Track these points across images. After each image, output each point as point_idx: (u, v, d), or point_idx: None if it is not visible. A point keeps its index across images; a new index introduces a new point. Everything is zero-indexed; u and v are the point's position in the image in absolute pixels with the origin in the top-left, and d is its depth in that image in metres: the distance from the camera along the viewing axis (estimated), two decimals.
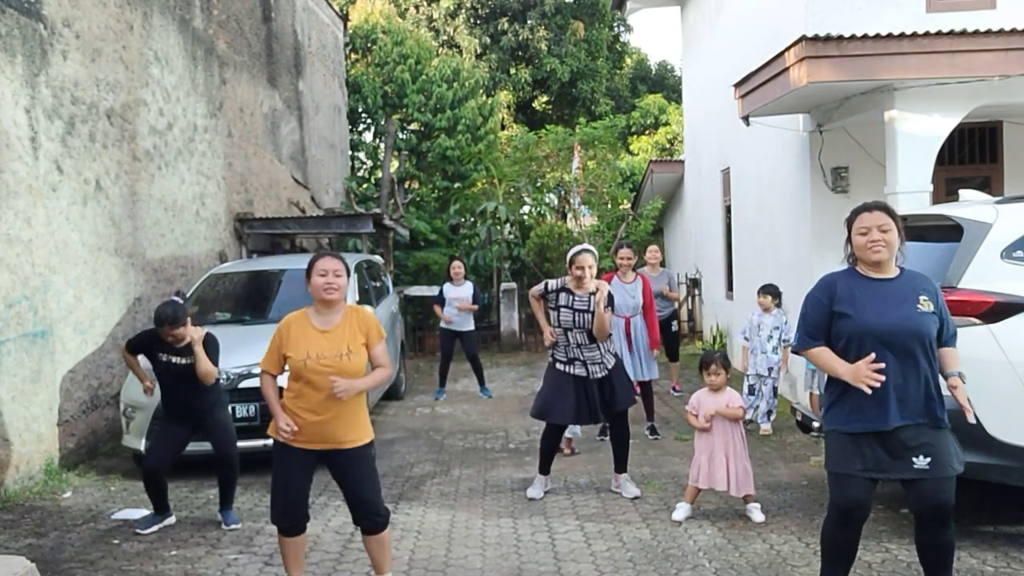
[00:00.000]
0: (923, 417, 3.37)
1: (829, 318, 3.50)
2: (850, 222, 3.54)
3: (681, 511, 5.20)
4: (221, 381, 6.37)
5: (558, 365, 5.62)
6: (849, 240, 3.55)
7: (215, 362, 5.26)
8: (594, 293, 5.49)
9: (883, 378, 3.30)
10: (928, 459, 3.34)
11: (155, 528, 5.30)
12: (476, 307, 9.79)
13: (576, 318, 5.53)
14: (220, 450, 5.33)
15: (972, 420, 3.48)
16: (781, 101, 7.52)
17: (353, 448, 3.88)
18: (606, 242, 14.70)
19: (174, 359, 5.20)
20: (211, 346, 5.29)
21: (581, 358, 5.55)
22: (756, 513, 5.09)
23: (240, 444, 6.41)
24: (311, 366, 3.76)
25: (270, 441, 6.27)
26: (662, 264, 9.49)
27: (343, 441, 3.85)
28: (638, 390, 8.24)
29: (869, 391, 3.31)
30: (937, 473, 3.34)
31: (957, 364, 3.53)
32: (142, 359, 5.43)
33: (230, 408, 6.40)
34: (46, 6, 6.87)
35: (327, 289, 3.82)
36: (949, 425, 3.44)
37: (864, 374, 3.31)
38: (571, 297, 5.55)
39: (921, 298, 3.42)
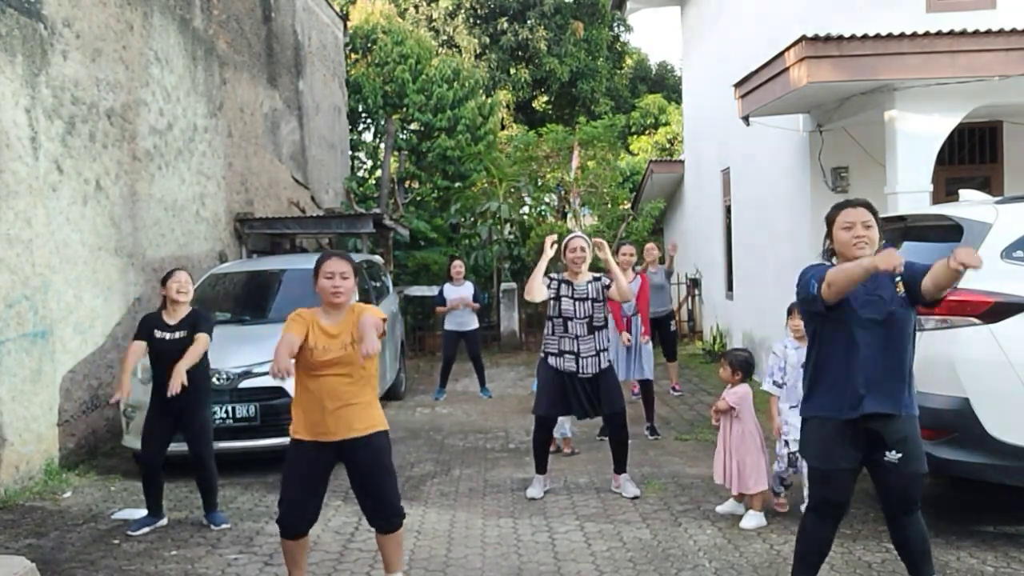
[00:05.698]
0: (899, 407, 3.38)
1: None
2: (832, 218, 3.51)
3: (726, 506, 5.26)
4: (221, 381, 6.42)
5: (549, 359, 5.66)
6: (829, 236, 3.53)
7: (209, 332, 5.36)
8: (591, 282, 5.62)
9: (900, 260, 3.07)
10: (900, 455, 3.39)
11: (146, 530, 5.28)
12: (478, 305, 9.81)
13: (577, 307, 5.58)
14: (194, 449, 5.32)
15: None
16: (781, 101, 7.52)
17: (369, 437, 3.83)
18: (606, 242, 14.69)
19: (167, 335, 5.26)
20: (202, 318, 5.38)
21: (575, 350, 5.57)
22: (748, 518, 5.02)
23: (240, 444, 6.49)
24: (317, 355, 3.76)
25: (270, 441, 6.40)
26: (660, 261, 9.56)
27: (357, 429, 3.81)
28: (635, 390, 8.28)
29: (887, 266, 3.04)
30: (905, 469, 3.40)
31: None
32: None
33: (230, 408, 6.45)
34: (46, 6, 6.87)
35: (334, 292, 3.81)
36: (917, 413, 3.45)
37: (892, 263, 3.02)
38: (571, 287, 5.63)
39: (896, 279, 3.41)
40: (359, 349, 3.71)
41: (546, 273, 5.65)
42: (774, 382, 5.06)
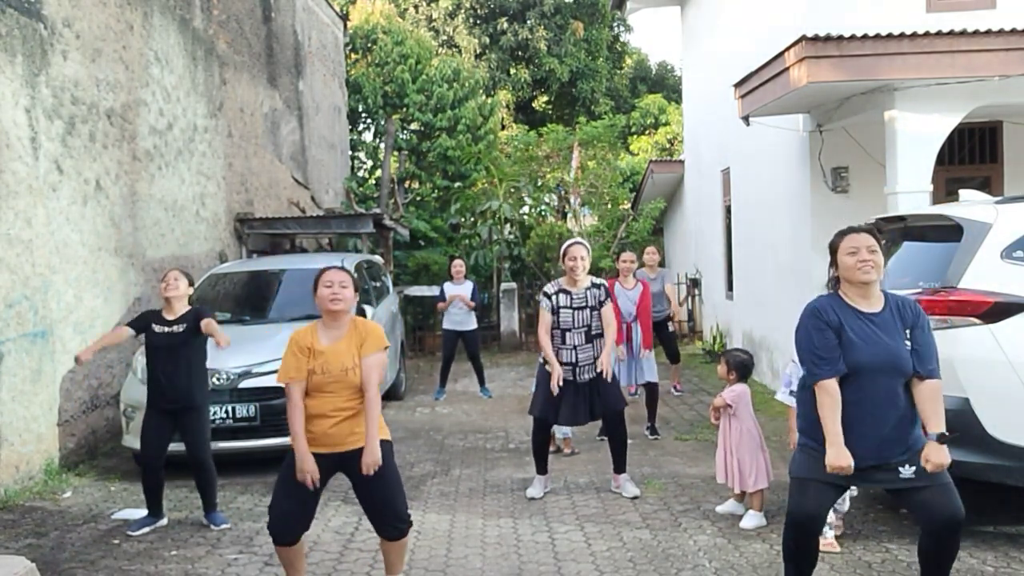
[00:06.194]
0: (904, 455, 3.30)
1: (838, 341, 3.32)
2: (835, 245, 3.44)
3: (726, 506, 5.26)
4: (221, 381, 6.42)
5: (547, 367, 5.65)
6: (833, 263, 3.46)
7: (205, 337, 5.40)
8: (589, 288, 5.61)
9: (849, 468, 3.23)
10: (913, 468, 3.29)
11: (146, 530, 5.29)
12: (473, 303, 9.79)
13: (575, 317, 5.58)
14: (193, 453, 5.32)
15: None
16: (781, 101, 7.52)
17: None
18: (606, 242, 14.70)
19: (166, 328, 5.30)
20: (202, 310, 5.42)
21: (572, 361, 5.57)
22: (748, 518, 5.03)
23: (240, 444, 6.49)
24: (316, 380, 3.76)
25: (270, 441, 6.40)
26: (660, 264, 9.52)
27: (357, 440, 3.78)
28: (632, 390, 8.29)
29: (834, 467, 3.24)
30: (930, 480, 3.27)
31: (940, 412, 3.29)
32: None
33: (230, 408, 6.45)
34: (46, 6, 6.87)
35: (332, 299, 3.80)
36: (922, 446, 3.35)
37: (839, 467, 3.22)
38: (569, 297, 5.61)
39: (907, 332, 3.33)
40: (359, 375, 3.75)
41: (548, 279, 5.64)
42: (791, 392, 4.79)
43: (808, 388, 3.43)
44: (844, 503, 4.75)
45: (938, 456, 3.22)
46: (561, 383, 5.47)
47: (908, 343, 3.32)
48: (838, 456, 3.24)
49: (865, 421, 3.30)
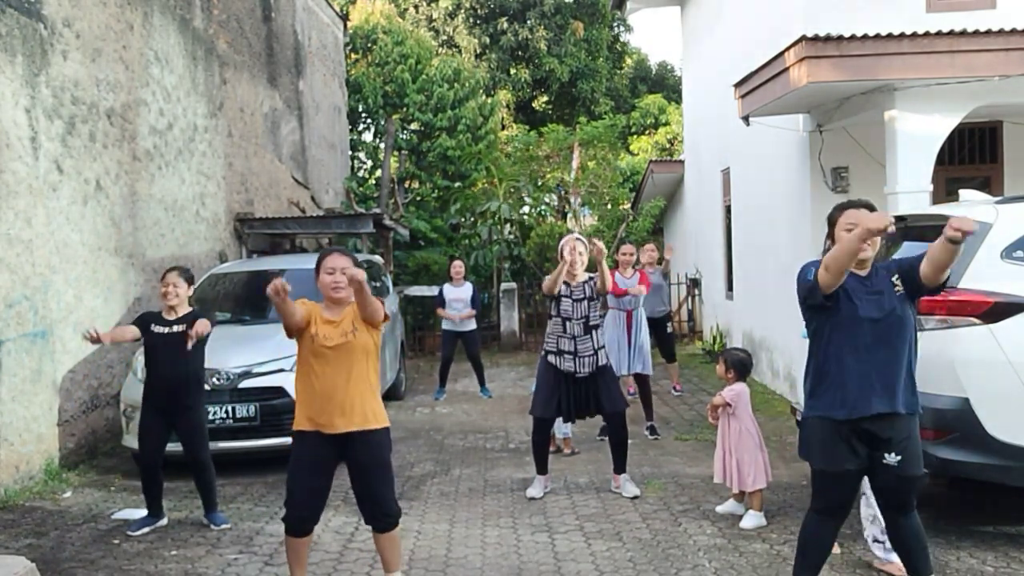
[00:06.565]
0: (902, 405, 3.41)
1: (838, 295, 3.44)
2: (834, 218, 3.55)
3: (726, 506, 5.27)
4: (221, 381, 6.42)
5: (549, 357, 5.74)
6: (830, 236, 3.55)
7: (203, 340, 5.35)
8: (586, 282, 5.73)
9: (890, 219, 3.17)
10: (899, 457, 3.41)
11: (146, 530, 5.28)
12: (474, 312, 9.80)
13: (575, 309, 5.68)
14: (192, 452, 5.32)
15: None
16: (781, 101, 7.52)
17: (369, 432, 3.85)
18: (606, 242, 14.69)
19: (165, 329, 5.27)
20: (203, 315, 5.38)
21: (572, 351, 5.65)
22: (748, 518, 5.03)
23: (240, 444, 6.49)
24: (319, 342, 3.80)
25: (270, 441, 6.40)
26: (658, 262, 9.59)
27: (358, 422, 3.83)
28: (632, 389, 8.31)
29: (879, 224, 3.12)
30: (903, 471, 3.42)
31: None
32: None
33: (230, 408, 6.45)
34: (46, 6, 6.87)
35: (335, 288, 3.86)
36: (920, 411, 3.50)
37: (882, 217, 3.14)
38: (569, 288, 5.74)
39: (894, 278, 3.46)
40: (360, 338, 3.79)
41: (547, 273, 5.72)
42: None
43: (816, 290, 3.41)
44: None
45: (960, 219, 3.14)
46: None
47: (899, 287, 3.42)
48: (873, 218, 3.14)
49: (874, 368, 3.39)
